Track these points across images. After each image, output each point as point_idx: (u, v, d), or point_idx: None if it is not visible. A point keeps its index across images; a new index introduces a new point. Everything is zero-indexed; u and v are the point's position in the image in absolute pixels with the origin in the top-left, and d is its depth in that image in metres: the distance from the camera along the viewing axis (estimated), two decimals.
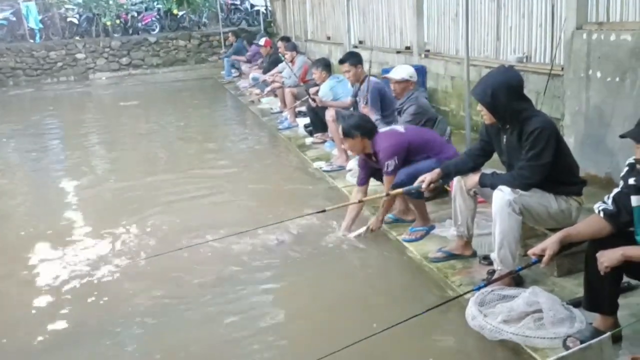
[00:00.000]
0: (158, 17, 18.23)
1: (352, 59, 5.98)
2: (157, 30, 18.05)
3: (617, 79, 4.62)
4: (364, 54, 10.40)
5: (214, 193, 5.79)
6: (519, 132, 3.21)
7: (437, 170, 3.59)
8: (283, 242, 4.34)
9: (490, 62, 6.61)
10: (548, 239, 2.59)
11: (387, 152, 4.15)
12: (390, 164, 4.13)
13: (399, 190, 3.84)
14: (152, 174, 6.65)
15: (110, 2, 17.60)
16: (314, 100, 6.52)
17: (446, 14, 7.67)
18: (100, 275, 4.03)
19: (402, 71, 5.18)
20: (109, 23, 17.31)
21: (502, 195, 3.09)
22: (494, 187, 3.17)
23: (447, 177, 3.60)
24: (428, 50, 8.22)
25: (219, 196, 5.68)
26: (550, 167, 3.13)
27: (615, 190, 2.57)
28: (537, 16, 5.87)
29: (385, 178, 4.22)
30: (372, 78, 5.86)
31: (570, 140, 5.20)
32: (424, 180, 3.59)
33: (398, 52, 9.01)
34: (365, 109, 5.52)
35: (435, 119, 5.20)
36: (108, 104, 13.52)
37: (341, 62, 6.01)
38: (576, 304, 2.93)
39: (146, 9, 18.53)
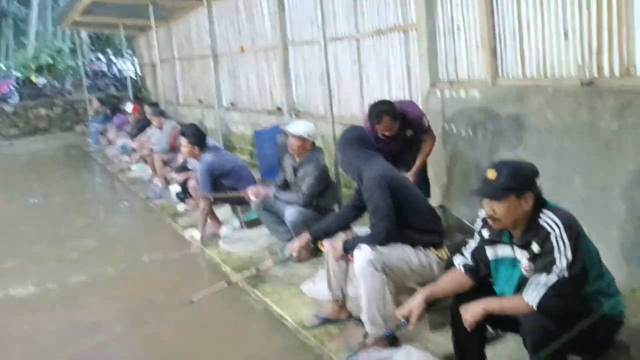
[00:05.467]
0: (17, 85, 17.12)
1: (193, 137, 5.59)
2: (15, 99, 16.91)
3: (470, 133, 4.90)
4: (235, 116, 10.47)
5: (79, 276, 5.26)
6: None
7: (306, 235, 3.51)
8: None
9: (357, 120, 6.81)
10: (413, 299, 2.56)
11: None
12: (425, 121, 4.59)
13: (269, 264, 3.70)
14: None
15: None
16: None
17: (312, 74, 7.87)
18: None
19: (300, 127, 4.80)
20: None
21: (362, 254, 3.06)
22: None
23: (317, 240, 3.53)
24: (298, 111, 8.35)
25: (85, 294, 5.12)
26: (394, 213, 3.15)
27: (472, 244, 2.62)
28: (395, 76, 6.17)
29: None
30: (204, 156, 5.54)
31: (435, 191, 5.40)
32: (294, 248, 3.49)
33: (269, 112, 9.08)
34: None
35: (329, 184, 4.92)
36: None
37: (182, 134, 5.68)
38: (448, 358, 2.92)
39: (3, 78, 17.36)
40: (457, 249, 3.72)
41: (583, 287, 2.29)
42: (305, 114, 8.07)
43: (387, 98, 4.88)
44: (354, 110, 7.03)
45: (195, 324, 3.87)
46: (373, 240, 3.14)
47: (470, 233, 4.28)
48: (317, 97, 7.84)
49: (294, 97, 8.48)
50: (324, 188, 4.81)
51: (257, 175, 7.73)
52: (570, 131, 3.88)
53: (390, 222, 3.14)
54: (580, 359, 2.48)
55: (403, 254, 3.17)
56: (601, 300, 2.37)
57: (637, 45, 3.52)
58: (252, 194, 4.92)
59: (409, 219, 3.23)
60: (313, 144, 4.88)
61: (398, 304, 3.57)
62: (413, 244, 3.23)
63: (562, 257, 2.23)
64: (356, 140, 3.42)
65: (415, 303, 2.53)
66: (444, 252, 3.31)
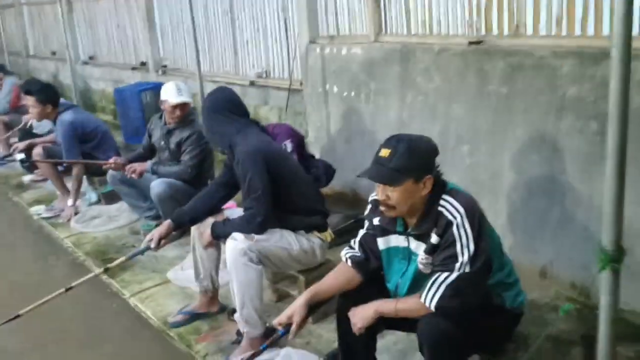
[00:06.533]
0: None
1: (41, 94, 4.73)
2: None
3: (353, 93, 4.53)
4: (94, 71, 9.35)
5: None
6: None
7: (167, 223, 2.94)
8: None
9: (230, 77, 6.21)
10: (293, 303, 2.14)
11: (282, 134, 4.02)
12: (287, 145, 3.97)
13: (122, 258, 3.07)
14: None
15: None
16: None
17: (180, 26, 7.08)
18: None
19: (182, 93, 4.05)
20: None
21: (235, 244, 2.59)
22: (228, 236, 2.66)
23: (180, 228, 2.99)
24: (165, 66, 7.54)
25: None
26: (272, 194, 2.70)
27: (361, 232, 2.24)
28: (272, 30, 5.61)
29: None
30: (62, 117, 4.76)
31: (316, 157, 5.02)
32: (153, 238, 2.91)
33: (133, 68, 8.14)
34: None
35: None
36: None
37: (26, 92, 4.81)
38: (333, 356, 2.57)
39: None
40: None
41: (485, 282, 2.00)
42: (174, 71, 7.30)
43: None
44: (227, 68, 6.40)
45: (36, 332, 3.18)
46: (247, 225, 2.67)
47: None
48: (186, 51, 7.08)
49: (161, 51, 7.64)
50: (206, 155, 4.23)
51: (119, 138, 6.96)
52: (458, 94, 3.62)
53: (267, 204, 2.68)
54: (479, 357, 2.22)
55: (282, 241, 2.74)
56: (502, 294, 2.10)
57: (528, 2, 3.28)
58: (128, 172, 4.17)
59: (289, 200, 2.79)
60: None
61: (276, 291, 3.18)
62: (294, 228, 2.81)
63: (464, 250, 1.91)
64: (226, 105, 2.88)
65: (296, 307, 2.11)
66: (328, 235, 2.92)
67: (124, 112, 7.22)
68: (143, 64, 7.92)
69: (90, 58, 9.53)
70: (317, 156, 5.00)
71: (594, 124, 2.84)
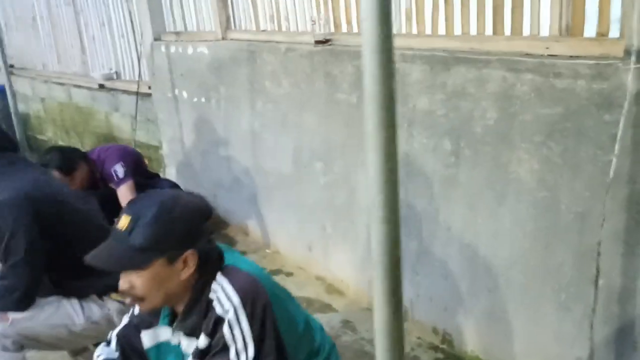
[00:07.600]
0: None
1: None
2: None
3: (203, 99, 3.91)
4: None
5: None
6: None
7: None
8: None
9: (79, 79, 5.41)
10: None
11: (110, 158, 3.43)
12: (118, 169, 3.41)
13: None
14: None
15: None
16: None
17: (23, 18, 6.16)
18: None
19: None
20: None
21: None
22: None
23: None
24: (12, 66, 6.58)
25: None
26: (41, 254, 2.02)
27: (123, 323, 1.64)
28: (118, 25, 4.87)
29: (119, 191, 3.36)
30: None
31: (172, 172, 4.38)
32: None
33: None
34: None
35: None
36: None
37: None
38: None
39: None
40: None
41: None
42: (21, 71, 6.38)
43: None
44: (77, 68, 5.58)
45: None
46: (2, 302, 2.00)
47: None
48: (32, 48, 6.17)
49: (6, 48, 6.66)
50: None
51: None
52: (308, 102, 3.08)
53: (31, 273, 2.00)
54: None
55: (59, 315, 2.08)
56: None
57: None
58: None
59: (73, 259, 2.11)
60: None
61: None
62: (80, 295, 2.16)
63: (240, 356, 1.36)
64: None
65: None
66: None
67: None
68: None
69: None
70: (173, 172, 4.37)
71: (447, 142, 2.37)
